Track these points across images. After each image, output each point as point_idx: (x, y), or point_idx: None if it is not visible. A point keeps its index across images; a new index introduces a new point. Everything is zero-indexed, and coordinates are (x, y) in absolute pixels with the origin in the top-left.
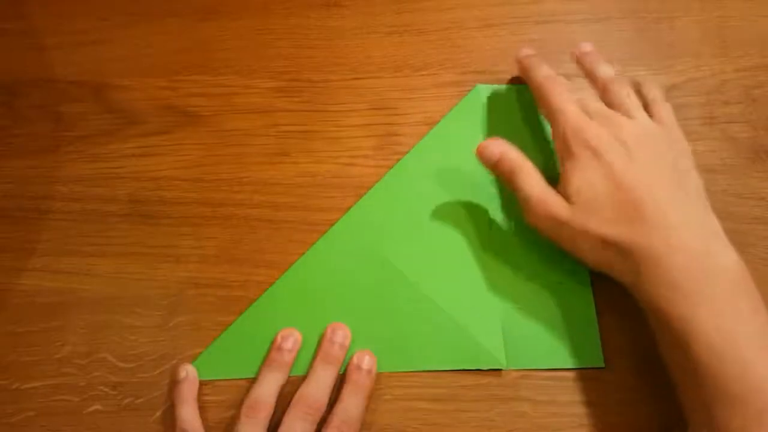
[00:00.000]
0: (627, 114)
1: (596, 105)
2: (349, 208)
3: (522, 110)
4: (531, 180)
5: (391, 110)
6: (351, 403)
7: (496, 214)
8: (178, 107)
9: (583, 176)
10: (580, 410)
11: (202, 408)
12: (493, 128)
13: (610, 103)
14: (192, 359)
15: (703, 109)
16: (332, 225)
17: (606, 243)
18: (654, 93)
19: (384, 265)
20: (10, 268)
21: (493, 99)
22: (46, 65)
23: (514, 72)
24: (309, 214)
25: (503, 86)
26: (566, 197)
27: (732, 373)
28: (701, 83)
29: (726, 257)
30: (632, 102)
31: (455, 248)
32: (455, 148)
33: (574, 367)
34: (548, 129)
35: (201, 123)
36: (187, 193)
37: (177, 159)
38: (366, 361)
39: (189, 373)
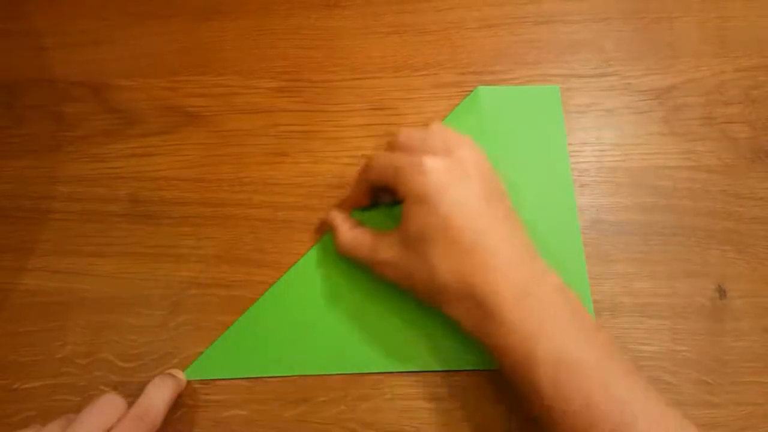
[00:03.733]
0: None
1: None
2: None
3: (521, 112)
4: (343, 227)
5: (391, 110)
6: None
7: None
8: (179, 107)
9: (416, 219)
10: None
11: (202, 408)
12: (493, 130)
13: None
14: (192, 359)
15: (702, 109)
16: None
17: (441, 285)
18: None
19: None
20: (10, 268)
21: (494, 101)
22: (46, 65)
23: (514, 72)
24: (309, 214)
25: (503, 88)
26: (401, 237)
27: (577, 405)
28: (701, 83)
29: (551, 281)
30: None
31: None
32: None
33: None
34: (548, 130)
35: (201, 123)
36: (187, 193)
37: (177, 159)
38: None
39: (182, 378)
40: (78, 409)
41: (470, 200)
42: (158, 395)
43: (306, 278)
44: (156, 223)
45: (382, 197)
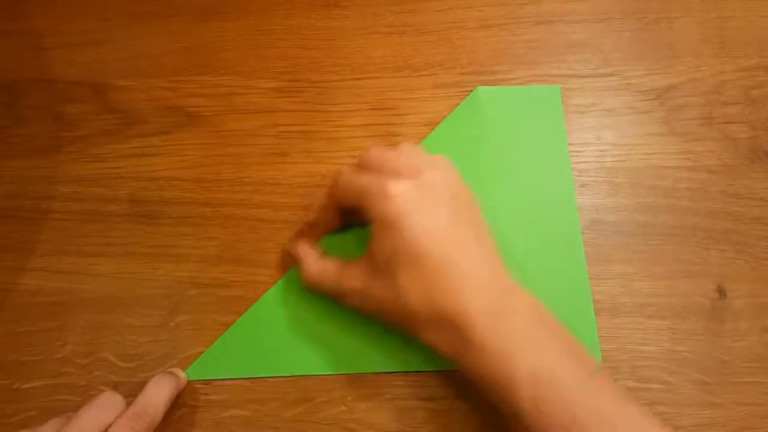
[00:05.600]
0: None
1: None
2: None
3: (521, 112)
4: (308, 259)
5: (391, 110)
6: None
7: (496, 217)
8: (179, 107)
9: (381, 244)
10: None
11: (202, 408)
12: (493, 130)
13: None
14: (192, 359)
15: (702, 109)
16: None
17: (413, 312)
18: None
19: None
20: (10, 268)
21: (493, 101)
22: (46, 65)
23: (515, 72)
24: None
25: (503, 88)
26: (368, 264)
27: (559, 426)
28: (700, 83)
29: (524, 300)
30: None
31: None
32: (455, 150)
33: None
34: (548, 130)
35: (201, 123)
36: (187, 193)
37: (177, 159)
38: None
39: (182, 377)
40: (78, 409)
41: (436, 224)
42: (158, 393)
43: None
44: (156, 223)
45: (354, 218)
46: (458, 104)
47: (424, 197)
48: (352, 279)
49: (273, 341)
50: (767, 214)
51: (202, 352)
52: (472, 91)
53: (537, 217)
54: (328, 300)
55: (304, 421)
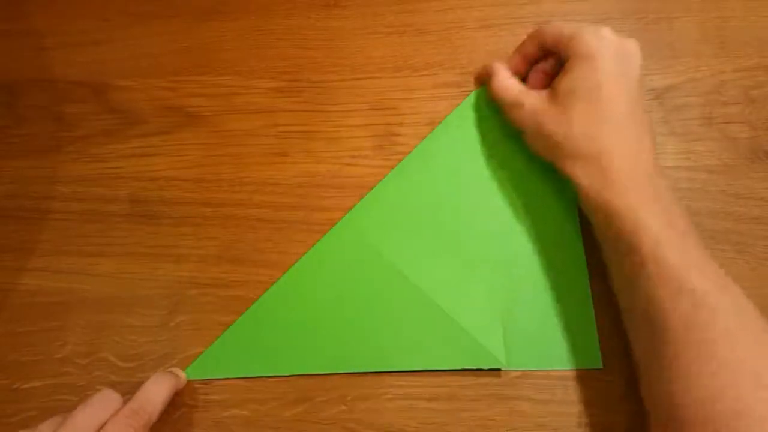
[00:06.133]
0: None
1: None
2: (349, 208)
3: None
4: (501, 74)
5: (391, 110)
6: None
7: (496, 216)
8: (179, 107)
9: (574, 74)
10: (579, 409)
11: (202, 408)
12: (493, 131)
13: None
14: (192, 359)
15: (702, 109)
16: (332, 225)
17: (575, 141)
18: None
19: (384, 266)
20: (10, 268)
21: (494, 101)
22: (46, 65)
23: None
24: (309, 214)
25: None
26: (551, 93)
27: (673, 269)
28: (700, 83)
29: (666, 178)
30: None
31: (456, 249)
32: (456, 149)
33: (572, 368)
34: None
35: (201, 123)
36: (187, 193)
37: (177, 159)
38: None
39: (182, 376)
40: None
41: (628, 78)
42: (156, 392)
43: (306, 278)
44: (156, 223)
45: (533, 75)
46: (458, 104)
47: (622, 54)
48: (533, 99)
49: (273, 341)
50: (767, 214)
51: (202, 352)
52: (473, 91)
53: (538, 216)
54: (328, 299)
55: (303, 421)
